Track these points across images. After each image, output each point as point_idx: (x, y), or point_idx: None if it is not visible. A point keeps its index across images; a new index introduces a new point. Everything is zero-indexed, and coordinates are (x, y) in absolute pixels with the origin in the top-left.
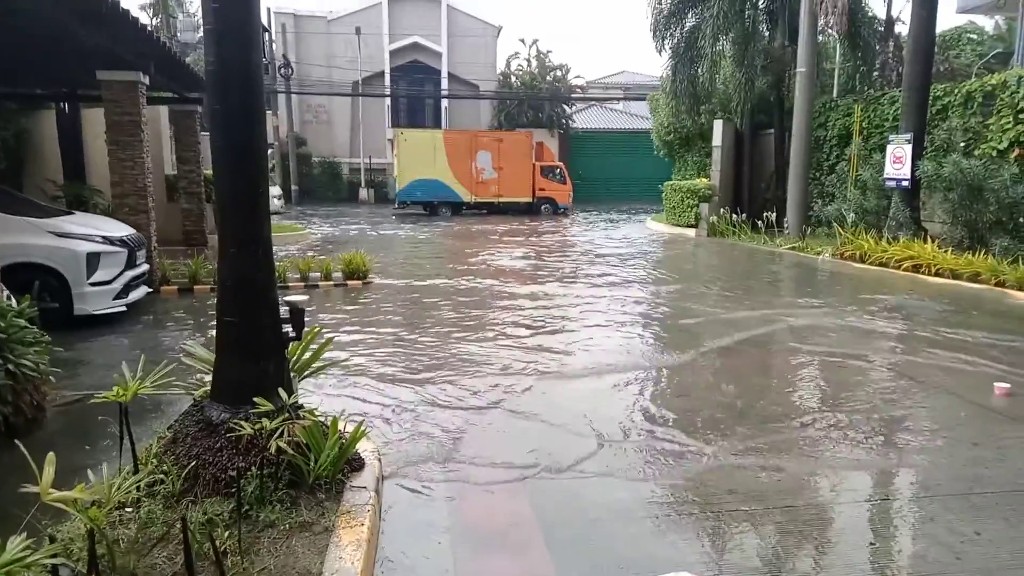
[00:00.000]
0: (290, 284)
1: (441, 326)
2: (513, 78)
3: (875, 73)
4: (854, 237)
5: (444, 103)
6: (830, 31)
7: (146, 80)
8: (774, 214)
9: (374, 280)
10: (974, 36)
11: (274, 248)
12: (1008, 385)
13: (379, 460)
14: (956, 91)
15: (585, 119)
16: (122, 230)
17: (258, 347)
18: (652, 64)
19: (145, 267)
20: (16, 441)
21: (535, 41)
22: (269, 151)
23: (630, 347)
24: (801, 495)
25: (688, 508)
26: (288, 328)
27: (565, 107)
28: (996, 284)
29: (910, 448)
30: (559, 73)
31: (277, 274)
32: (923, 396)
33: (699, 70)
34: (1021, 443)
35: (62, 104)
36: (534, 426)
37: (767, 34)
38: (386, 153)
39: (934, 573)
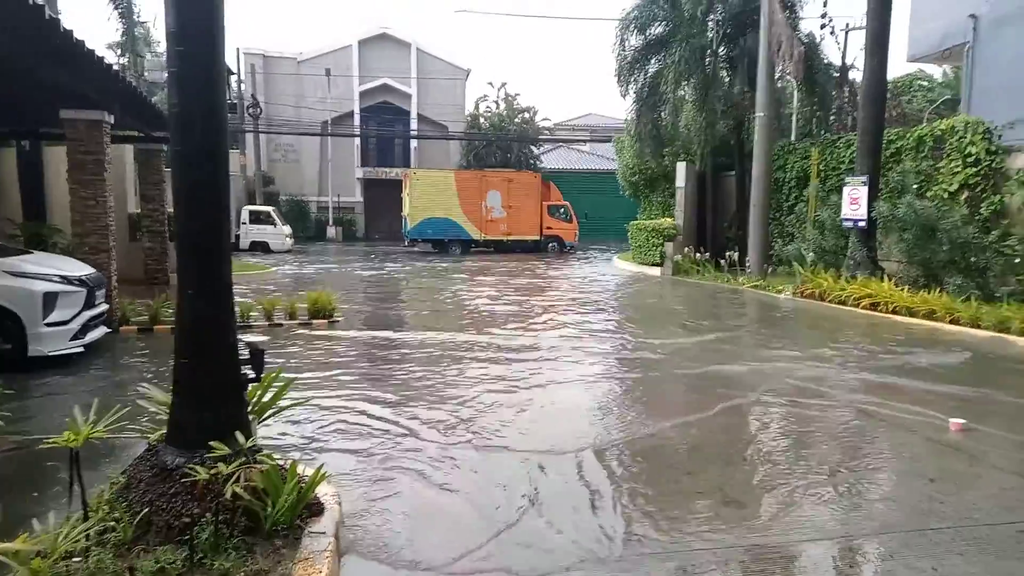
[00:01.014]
0: (253, 324)
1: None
2: (482, 119)
3: (831, 117)
4: (814, 276)
5: (413, 143)
6: (788, 77)
7: (111, 119)
8: (736, 253)
9: (339, 320)
10: (924, 83)
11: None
12: (963, 420)
13: (339, 504)
14: (908, 135)
15: (553, 160)
16: (81, 269)
17: (216, 389)
18: (618, 107)
19: (104, 307)
20: None
21: (503, 84)
22: (241, 186)
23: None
24: (763, 532)
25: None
26: (247, 370)
27: (533, 148)
28: (950, 321)
29: (869, 484)
30: (527, 115)
31: (239, 313)
32: (881, 432)
33: (662, 114)
34: (976, 477)
35: (23, 142)
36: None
37: (727, 80)
38: (355, 192)
39: None
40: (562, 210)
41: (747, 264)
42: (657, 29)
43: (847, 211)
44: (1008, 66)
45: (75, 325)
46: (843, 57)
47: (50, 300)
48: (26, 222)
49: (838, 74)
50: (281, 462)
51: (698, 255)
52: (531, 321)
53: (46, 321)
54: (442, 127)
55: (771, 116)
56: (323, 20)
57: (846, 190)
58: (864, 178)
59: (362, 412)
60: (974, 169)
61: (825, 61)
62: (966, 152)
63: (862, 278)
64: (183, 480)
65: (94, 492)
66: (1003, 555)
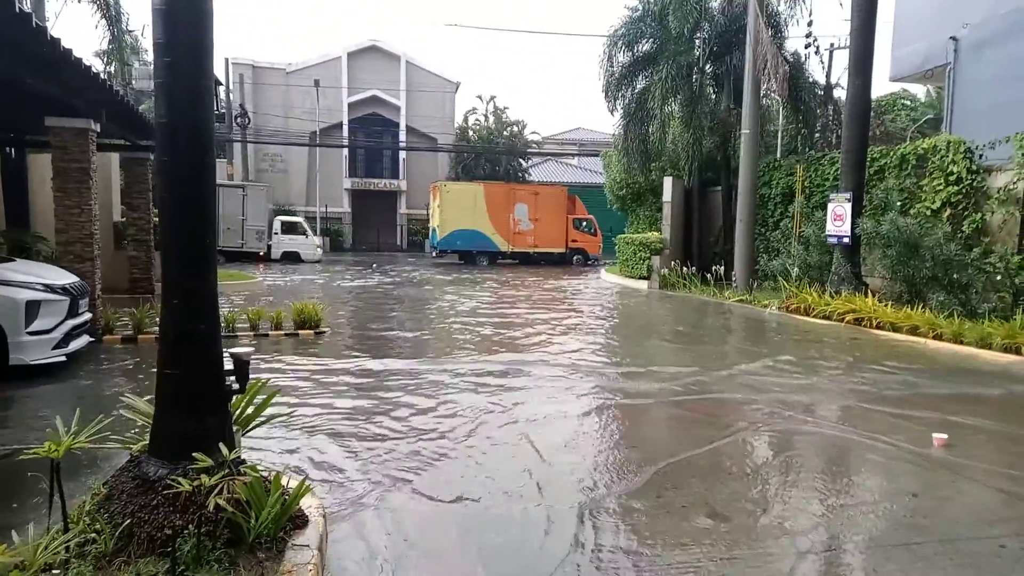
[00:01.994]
0: (239, 333)
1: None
2: (471, 132)
3: (816, 135)
4: (799, 291)
5: (402, 155)
6: (773, 95)
7: (97, 127)
8: (722, 267)
9: (326, 331)
10: (908, 102)
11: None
12: (945, 436)
13: (323, 517)
14: (892, 153)
15: (541, 173)
16: (65, 278)
17: (199, 400)
18: (606, 121)
19: (88, 316)
20: None
21: (492, 97)
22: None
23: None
24: (747, 546)
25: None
26: (231, 380)
27: (521, 161)
28: (933, 337)
29: (853, 499)
30: (516, 128)
31: (224, 323)
32: (864, 446)
33: (649, 129)
34: (958, 492)
35: (7, 149)
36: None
37: (714, 97)
38: (342, 202)
39: None
40: (586, 223)
41: (733, 278)
42: (645, 46)
43: (831, 227)
44: (988, 87)
45: (58, 334)
46: (828, 76)
47: (32, 308)
48: (9, 229)
49: (823, 92)
50: (265, 474)
51: (685, 269)
52: (511, 333)
53: (28, 330)
54: (431, 139)
55: (756, 133)
56: (312, 32)
57: (830, 206)
58: (848, 195)
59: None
60: (956, 187)
61: (810, 80)
62: (948, 171)
63: (846, 294)
64: (165, 492)
65: (75, 503)
66: (984, 569)
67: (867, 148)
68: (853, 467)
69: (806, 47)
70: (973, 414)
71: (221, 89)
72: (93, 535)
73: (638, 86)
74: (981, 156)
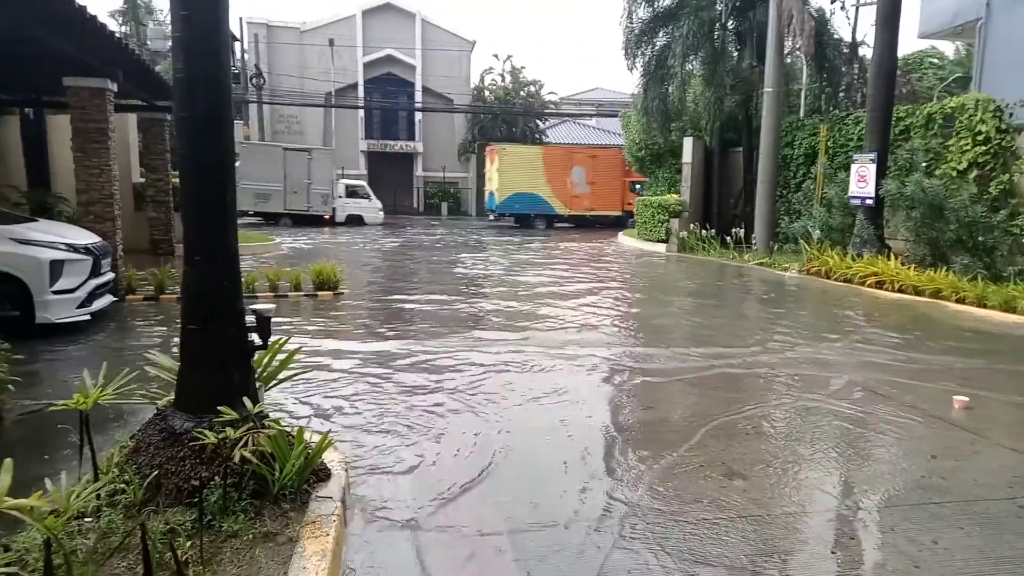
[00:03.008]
0: (258, 294)
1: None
2: (487, 92)
3: (840, 94)
4: (820, 254)
5: (418, 116)
6: (797, 53)
7: (114, 87)
8: (742, 230)
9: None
10: (935, 60)
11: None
12: (966, 399)
13: (345, 471)
14: (918, 113)
15: (559, 134)
16: (87, 238)
17: (223, 356)
18: (625, 81)
19: (110, 276)
20: None
21: (509, 56)
22: (237, 161)
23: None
24: (764, 505)
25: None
26: (254, 336)
27: (538, 122)
28: (956, 300)
29: (871, 460)
30: (533, 88)
31: (245, 283)
32: (885, 409)
33: (669, 88)
34: (977, 454)
35: (27, 110)
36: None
37: (736, 54)
38: (359, 164)
39: None
40: (641, 186)
41: (753, 241)
42: (665, 1)
43: (855, 189)
44: (1021, 43)
45: (81, 293)
46: (853, 33)
47: (57, 268)
48: (31, 190)
49: (848, 50)
50: (288, 428)
51: (704, 232)
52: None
53: (53, 289)
54: (447, 100)
55: (779, 92)
56: None
57: (854, 167)
58: (872, 155)
59: None
60: (984, 147)
61: (835, 37)
62: (976, 130)
63: (868, 256)
64: (192, 444)
65: (104, 455)
66: (1003, 529)
67: (893, 107)
68: (871, 427)
69: (832, 3)
70: (995, 377)
71: (237, 47)
72: (122, 485)
73: (658, 43)
74: (1011, 115)
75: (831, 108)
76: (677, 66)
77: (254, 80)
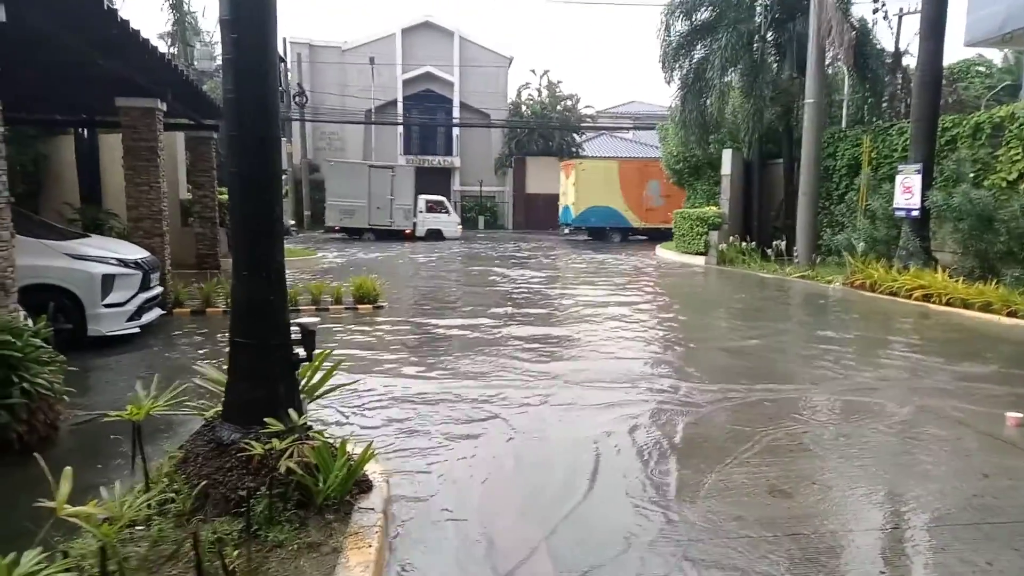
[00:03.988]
0: (301, 307)
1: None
2: (524, 107)
3: (884, 104)
4: (864, 266)
5: (455, 131)
6: (838, 63)
7: (163, 107)
8: (783, 242)
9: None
10: (983, 68)
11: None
12: (1021, 415)
13: (387, 482)
14: (965, 122)
15: (595, 148)
16: (137, 253)
17: (269, 368)
18: (662, 94)
19: (159, 289)
20: (37, 456)
21: (546, 71)
22: (283, 177)
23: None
24: (811, 523)
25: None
26: (299, 350)
27: (575, 136)
28: (1007, 314)
29: (922, 478)
30: (569, 103)
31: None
32: (935, 426)
33: (708, 100)
34: None
35: (80, 129)
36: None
37: (775, 65)
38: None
39: None
40: None
41: (795, 253)
42: (704, 14)
43: (900, 200)
44: None
45: (131, 307)
46: (896, 42)
47: (108, 282)
48: (83, 206)
49: (891, 60)
50: (331, 440)
51: (744, 244)
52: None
53: (104, 302)
54: (484, 115)
55: (821, 103)
56: (367, 8)
57: (899, 178)
58: (918, 166)
59: None
60: None
61: (877, 46)
62: None
63: (914, 269)
64: (239, 455)
65: (154, 465)
66: None
67: (938, 117)
68: (922, 445)
69: (874, 12)
70: None
71: (281, 67)
72: (172, 495)
73: (696, 56)
74: None
75: (874, 119)
76: (716, 78)
77: (297, 98)
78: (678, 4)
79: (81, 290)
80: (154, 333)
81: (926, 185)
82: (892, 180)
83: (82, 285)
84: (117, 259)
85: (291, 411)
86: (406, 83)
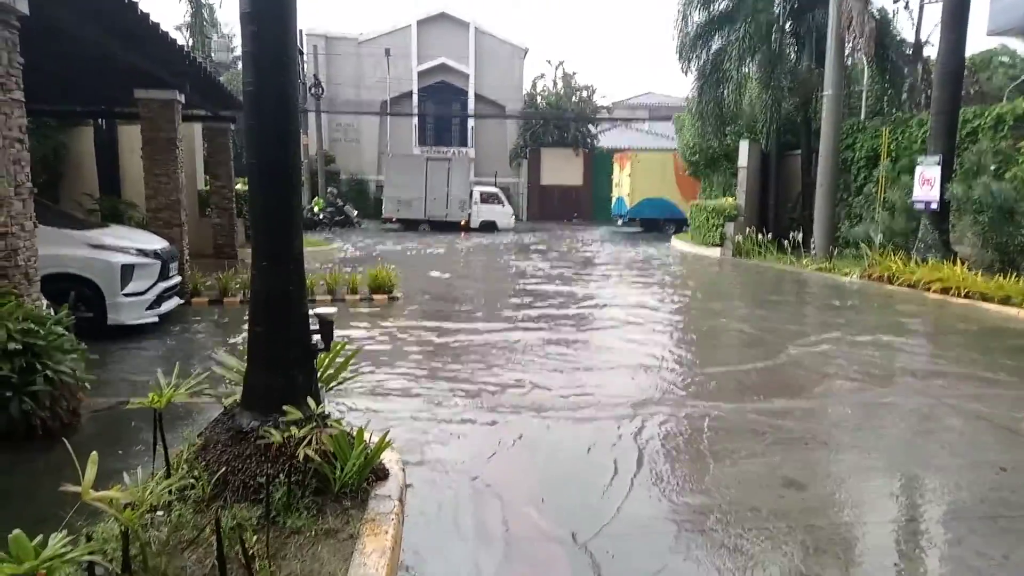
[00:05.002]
0: (317, 297)
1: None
2: (539, 98)
3: (904, 95)
4: (882, 259)
5: (471, 123)
6: (858, 54)
7: (182, 98)
8: (800, 234)
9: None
10: (1006, 59)
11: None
12: None
13: (403, 470)
14: (986, 114)
15: (611, 139)
16: (156, 243)
17: (288, 357)
18: (678, 85)
19: (177, 279)
20: (65, 441)
21: (561, 63)
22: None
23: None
24: (825, 514)
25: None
26: (317, 339)
27: (591, 127)
28: None
29: (938, 471)
30: (585, 94)
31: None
32: (951, 420)
33: (725, 91)
34: None
35: (99, 121)
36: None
37: (794, 56)
38: None
39: None
40: None
41: (812, 246)
42: (722, 4)
43: (919, 192)
44: None
45: (151, 296)
46: (917, 33)
47: (127, 271)
48: (103, 197)
49: (911, 51)
50: (348, 428)
51: (760, 236)
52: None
53: (124, 292)
54: (499, 107)
55: (840, 94)
56: (383, 0)
57: (918, 170)
58: (937, 158)
59: None
60: None
61: (898, 37)
62: None
63: (933, 261)
64: (257, 442)
65: (174, 452)
66: None
67: (959, 109)
68: (939, 438)
69: (894, 1)
70: None
71: (299, 59)
72: (192, 481)
73: (714, 46)
74: None
75: (894, 110)
76: (733, 69)
77: (313, 90)
78: None
79: (101, 279)
80: (172, 322)
81: (946, 177)
82: (911, 172)
83: (102, 274)
84: (136, 249)
85: (309, 399)
86: (421, 75)
